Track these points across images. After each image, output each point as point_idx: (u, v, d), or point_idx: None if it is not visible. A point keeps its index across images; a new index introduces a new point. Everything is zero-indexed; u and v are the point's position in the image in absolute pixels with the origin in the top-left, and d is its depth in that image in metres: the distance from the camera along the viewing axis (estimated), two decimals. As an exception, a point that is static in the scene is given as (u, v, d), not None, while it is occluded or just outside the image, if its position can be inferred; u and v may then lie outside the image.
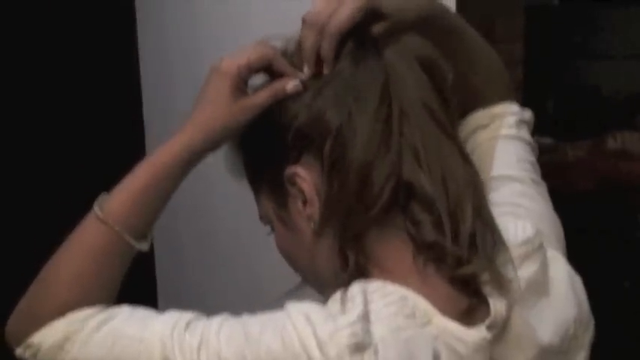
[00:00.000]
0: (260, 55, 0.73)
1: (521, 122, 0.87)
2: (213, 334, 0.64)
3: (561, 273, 0.75)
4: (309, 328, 0.61)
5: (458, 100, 0.72)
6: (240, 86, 0.73)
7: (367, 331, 0.61)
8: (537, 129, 0.93)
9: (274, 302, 0.67)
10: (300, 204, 0.70)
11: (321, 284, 0.74)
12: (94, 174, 1.96)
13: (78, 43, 1.89)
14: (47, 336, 0.70)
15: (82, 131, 1.90)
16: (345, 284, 0.66)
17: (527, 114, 0.89)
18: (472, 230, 0.66)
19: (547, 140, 2.07)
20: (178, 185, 0.75)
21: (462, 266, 0.65)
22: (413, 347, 0.62)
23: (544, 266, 0.72)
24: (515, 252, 0.70)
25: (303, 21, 0.72)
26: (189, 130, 0.73)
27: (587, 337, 0.75)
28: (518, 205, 0.79)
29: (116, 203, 0.73)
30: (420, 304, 0.64)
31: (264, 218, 0.77)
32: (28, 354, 0.71)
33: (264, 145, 0.74)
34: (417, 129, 0.67)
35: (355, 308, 0.62)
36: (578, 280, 0.76)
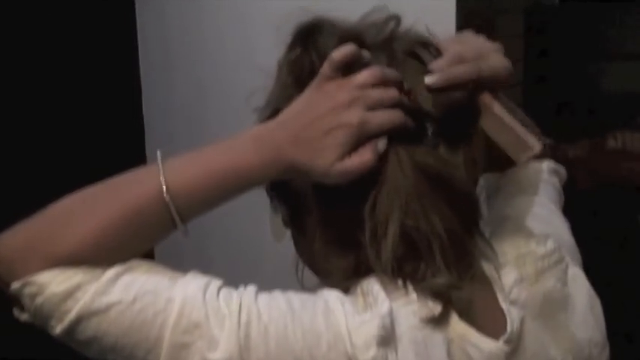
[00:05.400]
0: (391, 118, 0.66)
1: (554, 171, 0.94)
2: (251, 300, 0.62)
3: (581, 293, 0.76)
4: (343, 315, 0.62)
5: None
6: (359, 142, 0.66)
7: (392, 328, 0.62)
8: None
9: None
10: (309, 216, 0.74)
11: (332, 283, 0.74)
12: (93, 174, 1.96)
13: (78, 42, 1.89)
14: (57, 280, 0.61)
15: (82, 131, 1.90)
16: (355, 281, 0.67)
17: (562, 170, 0.97)
18: (395, 249, 0.66)
19: (547, 140, 2.06)
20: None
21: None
22: (430, 347, 0.63)
23: (561, 282, 0.74)
24: (531, 267, 0.72)
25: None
26: (281, 161, 0.65)
27: (603, 359, 0.76)
28: (547, 222, 0.84)
29: (182, 182, 0.65)
30: (438, 306, 0.65)
31: (285, 223, 0.80)
32: (26, 291, 0.61)
33: None
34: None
35: (383, 303, 0.63)
36: (597, 303, 0.78)
